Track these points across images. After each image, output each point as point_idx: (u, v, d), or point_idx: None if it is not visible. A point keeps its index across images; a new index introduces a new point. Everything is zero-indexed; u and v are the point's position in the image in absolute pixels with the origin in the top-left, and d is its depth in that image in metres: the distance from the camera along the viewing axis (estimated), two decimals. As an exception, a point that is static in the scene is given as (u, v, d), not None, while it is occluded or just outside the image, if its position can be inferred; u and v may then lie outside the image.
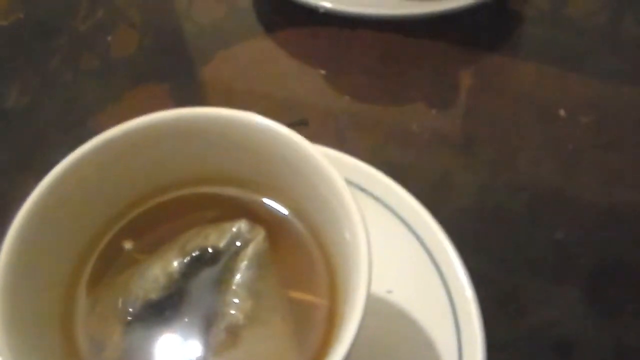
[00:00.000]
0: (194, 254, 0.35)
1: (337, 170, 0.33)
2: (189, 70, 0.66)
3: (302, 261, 0.36)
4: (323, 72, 0.63)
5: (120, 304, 0.35)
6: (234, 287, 0.34)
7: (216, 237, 0.35)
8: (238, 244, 0.35)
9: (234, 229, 0.35)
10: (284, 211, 0.38)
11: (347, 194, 0.32)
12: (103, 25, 0.68)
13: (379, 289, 0.41)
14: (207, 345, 0.34)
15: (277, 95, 0.62)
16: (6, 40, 0.67)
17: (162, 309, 0.34)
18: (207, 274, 0.35)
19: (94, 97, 0.63)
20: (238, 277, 0.34)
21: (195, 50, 0.68)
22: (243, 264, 0.35)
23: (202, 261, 0.35)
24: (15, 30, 0.67)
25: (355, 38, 0.65)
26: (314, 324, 0.34)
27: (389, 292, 0.41)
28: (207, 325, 0.34)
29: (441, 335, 0.40)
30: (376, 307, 0.40)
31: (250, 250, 0.35)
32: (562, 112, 0.59)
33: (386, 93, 0.62)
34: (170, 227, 0.37)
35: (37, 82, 0.64)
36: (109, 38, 0.67)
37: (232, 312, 0.34)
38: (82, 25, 0.68)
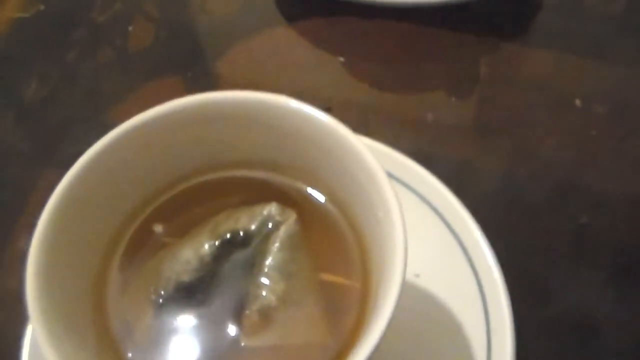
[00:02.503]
0: (225, 237, 0.35)
1: (375, 157, 0.33)
2: (206, 62, 0.65)
3: (334, 244, 0.36)
4: (342, 59, 0.63)
5: (152, 287, 0.35)
6: (265, 270, 0.34)
7: (247, 220, 0.35)
8: (269, 226, 0.35)
9: (265, 212, 0.35)
10: (316, 194, 0.38)
11: (383, 178, 0.32)
12: (120, 18, 0.68)
13: (407, 273, 0.41)
14: (240, 327, 0.34)
15: (295, 85, 0.62)
16: (27, 33, 0.67)
17: (194, 292, 0.35)
18: (239, 257, 0.35)
19: (112, 89, 0.63)
20: (270, 259, 0.34)
21: (211, 42, 0.68)
22: (275, 246, 0.35)
23: (234, 244, 0.35)
24: (35, 23, 0.67)
25: (373, 27, 0.64)
26: (346, 306, 0.34)
27: (417, 276, 0.41)
28: (239, 307, 0.34)
29: (469, 319, 0.40)
30: (404, 290, 0.40)
31: (281, 232, 0.35)
32: (577, 102, 0.59)
33: (404, 81, 0.61)
34: (200, 210, 0.38)
35: (56, 73, 0.64)
36: (127, 30, 0.67)
37: (264, 294, 0.34)
38: (99, 18, 0.68)
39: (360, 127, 0.57)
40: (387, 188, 0.31)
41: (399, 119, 0.58)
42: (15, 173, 0.57)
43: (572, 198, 0.52)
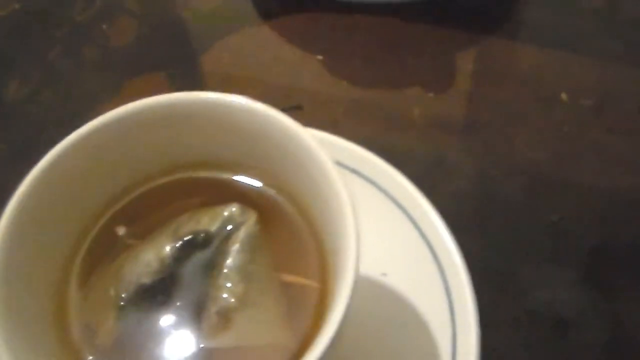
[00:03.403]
0: (186, 238, 0.35)
1: (324, 150, 0.32)
2: (188, 59, 0.65)
3: (294, 244, 0.36)
4: (321, 58, 0.63)
5: (113, 290, 0.35)
6: (225, 271, 0.34)
7: (208, 221, 0.35)
8: (230, 227, 0.35)
9: (226, 213, 0.35)
10: (276, 194, 0.38)
11: (333, 173, 0.32)
12: (101, 15, 0.68)
13: (373, 272, 0.41)
14: (200, 329, 0.34)
15: (276, 81, 0.62)
16: (5, 31, 0.67)
17: (155, 294, 0.35)
18: (199, 258, 0.35)
19: (94, 87, 0.63)
20: (230, 260, 0.35)
21: (194, 38, 0.68)
22: (235, 248, 0.35)
23: (194, 245, 0.35)
24: (13, 21, 0.67)
25: (354, 24, 0.64)
26: (306, 306, 0.34)
27: (384, 275, 0.41)
28: (200, 308, 0.34)
29: (435, 318, 0.40)
30: (371, 290, 0.40)
31: (241, 233, 0.35)
32: (563, 96, 0.58)
33: (385, 78, 0.61)
34: (162, 212, 0.37)
35: (37, 73, 0.64)
36: (108, 28, 0.67)
37: (224, 295, 0.34)
38: (80, 16, 0.68)
39: (335, 124, 0.57)
40: (338, 183, 0.31)
41: (377, 115, 0.58)
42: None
43: (546, 195, 0.52)
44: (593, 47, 0.62)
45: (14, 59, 0.65)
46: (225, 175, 0.39)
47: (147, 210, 0.38)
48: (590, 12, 0.66)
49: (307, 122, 0.35)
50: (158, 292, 0.35)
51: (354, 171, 0.43)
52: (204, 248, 0.35)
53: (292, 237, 0.37)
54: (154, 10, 0.69)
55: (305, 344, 0.33)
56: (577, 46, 0.62)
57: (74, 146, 0.34)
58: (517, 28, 0.65)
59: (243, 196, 0.37)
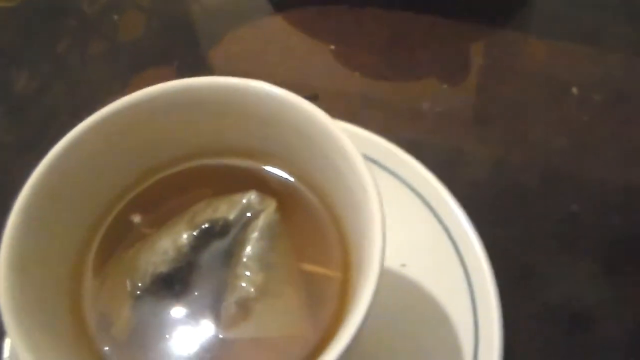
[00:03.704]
0: (203, 227, 0.34)
1: (350, 139, 0.32)
2: (198, 52, 0.65)
3: (315, 233, 0.36)
4: (333, 48, 0.62)
5: (129, 279, 0.34)
6: (244, 260, 0.34)
7: (226, 209, 0.34)
8: (248, 215, 0.34)
9: (244, 201, 0.35)
10: (296, 182, 0.37)
11: (360, 163, 0.31)
12: (110, 8, 0.67)
13: (393, 262, 0.40)
14: (218, 319, 0.33)
15: (287, 74, 0.61)
16: (13, 24, 0.66)
17: (172, 283, 0.34)
18: (217, 247, 0.34)
19: (102, 80, 0.62)
20: (249, 249, 0.34)
21: (203, 31, 0.67)
22: (254, 236, 0.34)
23: (212, 234, 0.34)
24: (22, 14, 0.67)
25: (365, 16, 0.64)
26: (327, 296, 0.34)
27: (403, 265, 0.41)
28: (218, 298, 0.33)
29: (457, 310, 0.39)
30: (390, 281, 0.40)
31: (261, 221, 0.34)
32: (574, 89, 0.58)
33: (396, 71, 0.61)
34: (179, 200, 0.37)
35: (45, 66, 0.63)
36: (117, 20, 0.66)
37: (243, 284, 0.33)
38: (89, 8, 0.67)
39: (350, 115, 0.56)
40: (366, 175, 0.30)
41: (390, 107, 0.58)
42: (2, 165, 0.56)
43: (562, 187, 0.51)
44: (605, 40, 0.61)
45: (22, 52, 0.64)
46: (243, 163, 0.38)
47: (162, 198, 0.37)
48: (602, 4, 0.65)
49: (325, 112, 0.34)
50: (175, 282, 0.34)
51: (373, 161, 0.42)
52: (222, 236, 0.34)
53: (312, 226, 0.36)
54: (162, 3, 0.69)
55: (326, 335, 0.33)
56: (589, 39, 0.61)
57: (88, 132, 0.34)
58: (529, 20, 0.65)
59: (261, 184, 0.37)
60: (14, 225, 0.31)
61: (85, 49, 0.65)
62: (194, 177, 0.38)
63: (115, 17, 0.66)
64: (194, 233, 0.34)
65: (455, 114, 0.57)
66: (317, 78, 0.60)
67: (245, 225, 0.34)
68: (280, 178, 0.37)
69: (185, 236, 0.34)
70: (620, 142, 0.54)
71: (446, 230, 0.40)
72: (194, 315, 0.34)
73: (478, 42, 0.62)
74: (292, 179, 0.37)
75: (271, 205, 0.35)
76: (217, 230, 0.34)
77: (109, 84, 0.62)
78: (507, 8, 0.64)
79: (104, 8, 0.67)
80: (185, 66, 0.63)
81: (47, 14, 0.67)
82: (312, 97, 0.56)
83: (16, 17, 0.67)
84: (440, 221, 0.41)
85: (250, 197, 0.35)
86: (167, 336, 0.33)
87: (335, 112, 0.52)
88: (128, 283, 0.34)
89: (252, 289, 0.33)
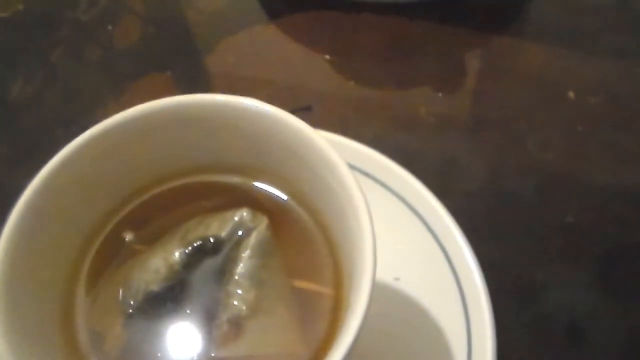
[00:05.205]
0: (195, 244, 0.34)
1: (338, 154, 0.32)
2: (193, 59, 0.65)
3: (306, 249, 0.36)
4: (328, 57, 0.62)
5: (121, 296, 0.34)
6: (236, 277, 0.34)
7: (218, 226, 0.34)
8: (240, 233, 0.34)
9: (236, 218, 0.35)
10: (287, 199, 0.37)
11: (349, 178, 0.31)
12: (106, 15, 0.67)
13: (386, 276, 0.40)
14: (210, 337, 0.33)
15: (282, 81, 0.61)
16: (9, 32, 0.66)
17: (164, 301, 0.34)
18: (209, 264, 0.34)
19: (98, 88, 0.62)
20: (240, 266, 0.34)
21: (198, 38, 0.67)
22: (246, 254, 0.34)
23: (204, 251, 0.34)
24: (17, 22, 0.67)
25: (360, 22, 0.64)
26: (319, 313, 0.34)
27: (397, 279, 0.41)
28: (210, 316, 0.33)
29: (450, 322, 0.39)
30: (383, 294, 0.40)
31: (252, 239, 0.34)
32: (571, 94, 0.58)
33: (392, 77, 0.61)
34: (170, 217, 0.37)
35: (40, 73, 0.63)
36: (112, 28, 0.66)
37: (235, 302, 0.33)
38: (84, 16, 0.67)
39: (343, 125, 0.56)
40: (355, 190, 0.30)
41: (385, 115, 0.58)
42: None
43: (558, 195, 0.51)
44: (601, 44, 0.61)
45: (17, 60, 0.64)
46: (234, 180, 0.38)
47: (155, 215, 0.37)
48: (598, 9, 0.65)
49: (317, 122, 0.34)
50: (167, 299, 0.34)
51: (366, 174, 0.42)
52: (214, 254, 0.34)
53: (304, 242, 0.36)
54: (158, 10, 0.69)
55: (318, 352, 0.33)
56: (585, 43, 0.61)
57: (81, 149, 0.33)
58: (525, 26, 0.65)
59: (253, 201, 0.37)
60: (5, 244, 0.31)
61: (80, 56, 0.65)
62: (186, 194, 0.38)
63: (110, 25, 0.66)
64: (186, 251, 0.34)
65: (450, 121, 0.57)
66: (311, 86, 0.60)
67: (237, 242, 0.34)
68: (272, 195, 0.37)
69: (177, 254, 0.34)
70: (617, 148, 0.54)
71: (439, 244, 0.40)
72: (186, 333, 0.33)
73: (474, 48, 0.62)
74: (284, 196, 0.37)
75: (263, 222, 0.35)
76: (209, 248, 0.34)
77: (105, 91, 0.62)
78: (503, 14, 0.64)
79: (99, 16, 0.67)
80: (181, 74, 0.63)
81: (42, 22, 0.67)
82: (306, 108, 0.56)
83: (11, 26, 0.67)
84: (433, 235, 0.41)
85: (242, 215, 0.35)
86: (159, 354, 0.33)
87: (329, 121, 0.52)
88: (120, 300, 0.34)
89: (244, 307, 0.33)
